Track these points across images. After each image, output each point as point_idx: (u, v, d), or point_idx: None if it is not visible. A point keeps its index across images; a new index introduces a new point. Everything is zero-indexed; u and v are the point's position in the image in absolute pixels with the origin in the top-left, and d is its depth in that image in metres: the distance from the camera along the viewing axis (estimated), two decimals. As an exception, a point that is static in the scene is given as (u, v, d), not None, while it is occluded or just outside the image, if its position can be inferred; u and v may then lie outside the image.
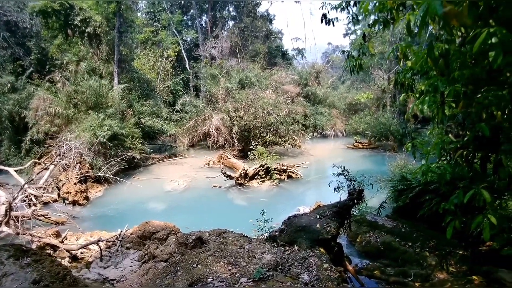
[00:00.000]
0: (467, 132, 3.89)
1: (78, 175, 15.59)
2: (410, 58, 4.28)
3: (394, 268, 8.31)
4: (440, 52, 3.54)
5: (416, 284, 7.35)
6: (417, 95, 4.29)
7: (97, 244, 9.52)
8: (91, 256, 9.59)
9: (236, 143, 23.97)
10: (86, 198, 15.06)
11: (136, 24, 32.84)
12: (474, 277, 7.15)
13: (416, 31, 3.70)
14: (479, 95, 3.94)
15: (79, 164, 16.20)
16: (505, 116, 3.80)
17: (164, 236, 10.04)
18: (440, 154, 4.14)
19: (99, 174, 16.26)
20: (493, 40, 2.76)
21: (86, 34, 23.51)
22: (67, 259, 9.37)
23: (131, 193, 16.33)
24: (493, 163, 3.78)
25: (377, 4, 4.11)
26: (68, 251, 9.59)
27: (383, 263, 8.66)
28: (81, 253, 9.76)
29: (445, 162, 4.17)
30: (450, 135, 4.00)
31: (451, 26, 2.67)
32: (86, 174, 16.11)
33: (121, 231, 10.32)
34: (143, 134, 22.47)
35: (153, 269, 7.30)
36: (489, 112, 3.96)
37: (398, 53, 4.19)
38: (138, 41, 33.96)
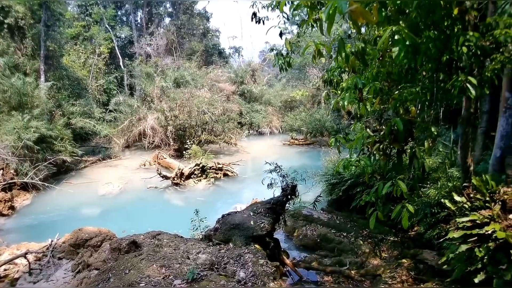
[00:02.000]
0: (384, 127, 4.13)
1: (1, 182, 14.42)
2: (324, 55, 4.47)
3: (330, 258, 8.72)
4: (356, 50, 3.72)
5: (351, 271, 7.73)
6: (339, 92, 4.49)
7: (25, 257, 8.85)
8: (17, 271, 8.84)
9: (172, 143, 23.64)
10: (12, 207, 13.89)
11: (66, 17, 30.73)
12: (404, 260, 7.74)
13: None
14: (396, 92, 4.20)
15: (2, 171, 15.00)
16: (418, 111, 4.08)
17: (99, 243, 9.64)
18: (362, 148, 4.37)
19: (25, 180, 15.20)
20: (396, 37, 2.95)
21: (6, 26, 21.49)
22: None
23: (63, 199, 15.40)
24: (408, 155, 4.05)
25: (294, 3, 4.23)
26: (-13, 270, 8.72)
27: (320, 255, 9.06)
28: (5, 270, 8.88)
29: (365, 155, 4.41)
30: (368, 129, 4.24)
31: (358, 24, 2.80)
32: (11, 181, 14.96)
33: (52, 241, 9.82)
34: (74, 135, 21.30)
35: (87, 279, 7.00)
36: (404, 107, 4.24)
37: (313, 50, 4.34)
38: (67, 36, 31.95)
